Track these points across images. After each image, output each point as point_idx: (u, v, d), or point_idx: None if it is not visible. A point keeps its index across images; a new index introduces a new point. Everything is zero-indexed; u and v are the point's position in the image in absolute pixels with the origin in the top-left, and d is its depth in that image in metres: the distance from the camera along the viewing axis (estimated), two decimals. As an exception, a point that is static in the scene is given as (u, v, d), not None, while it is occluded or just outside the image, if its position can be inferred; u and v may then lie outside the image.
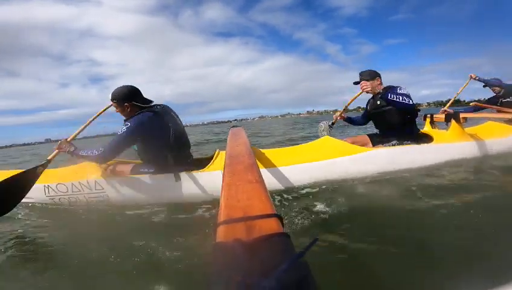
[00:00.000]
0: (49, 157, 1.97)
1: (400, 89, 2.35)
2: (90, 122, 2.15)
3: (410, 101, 2.24)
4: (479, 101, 4.03)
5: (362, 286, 1.09)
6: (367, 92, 2.47)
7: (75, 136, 2.07)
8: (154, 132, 1.91)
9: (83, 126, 2.14)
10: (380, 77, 2.53)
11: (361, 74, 2.56)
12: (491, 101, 3.83)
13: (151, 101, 2.03)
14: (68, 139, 1.98)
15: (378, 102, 2.52)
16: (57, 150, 1.97)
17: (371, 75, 2.50)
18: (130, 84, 1.98)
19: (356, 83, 2.57)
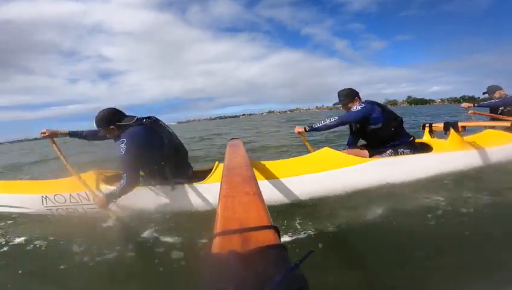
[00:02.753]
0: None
1: (356, 107, 2.38)
2: (66, 163, 2.04)
3: (355, 109, 2.34)
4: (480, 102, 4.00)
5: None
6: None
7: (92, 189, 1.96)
8: (146, 144, 1.88)
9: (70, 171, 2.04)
10: (358, 96, 2.50)
11: (339, 94, 2.54)
12: (491, 110, 3.82)
13: (134, 117, 1.97)
14: (102, 196, 1.86)
15: (358, 125, 2.48)
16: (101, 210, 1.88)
17: (349, 96, 2.48)
18: (108, 107, 1.96)
19: (336, 104, 2.58)
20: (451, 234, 1.44)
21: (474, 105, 3.83)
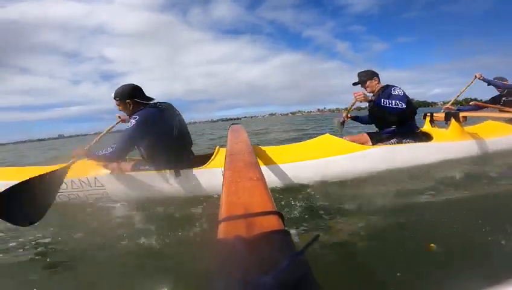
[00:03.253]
0: (68, 163, 1.91)
1: (395, 90, 2.33)
2: (105, 133, 2.21)
3: (403, 104, 2.20)
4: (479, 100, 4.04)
5: (362, 283, 1.09)
6: (361, 101, 2.44)
7: (91, 146, 2.04)
8: (158, 127, 1.92)
9: (98, 137, 2.20)
10: (377, 76, 2.55)
11: (359, 75, 2.59)
12: (494, 100, 3.84)
13: (152, 99, 2.06)
14: (86, 148, 1.96)
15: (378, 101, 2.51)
16: (74, 159, 1.94)
17: (368, 75, 2.54)
18: (132, 83, 2.01)
19: (355, 84, 2.61)
20: (450, 223, 1.46)
21: (481, 77, 3.83)
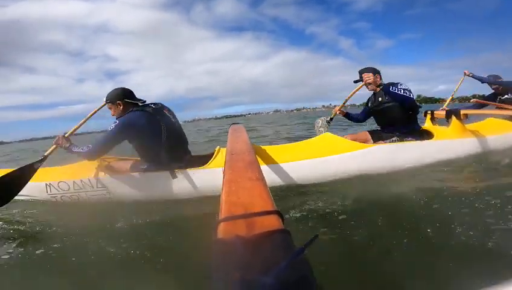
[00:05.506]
0: (46, 153, 2.00)
1: (401, 85, 2.38)
2: (87, 119, 2.17)
3: (411, 95, 2.26)
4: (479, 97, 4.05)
5: (362, 283, 1.09)
6: (368, 85, 2.49)
7: (73, 132, 2.09)
8: (144, 130, 1.93)
9: (79, 123, 2.17)
10: (379, 74, 2.55)
11: (361, 72, 2.59)
12: (489, 98, 3.83)
13: (143, 101, 2.07)
14: (66, 135, 2.02)
15: (380, 98, 2.53)
16: (54, 145, 2.01)
17: (373, 70, 2.53)
18: (121, 87, 2.06)
19: (356, 81, 2.61)
20: (452, 221, 1.45)
21: (470, 74, 3.91)
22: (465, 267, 1.09)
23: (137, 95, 2.10)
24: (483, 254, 1.16)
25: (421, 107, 2.59)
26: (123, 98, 1.98)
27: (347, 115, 2.91)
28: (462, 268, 1.08)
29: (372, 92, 2.65)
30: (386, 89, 2.31)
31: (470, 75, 3.93)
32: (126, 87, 2.06)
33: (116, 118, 1.96)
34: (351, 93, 2.70)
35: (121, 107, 2.00)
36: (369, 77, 2.37)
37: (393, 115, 2.43)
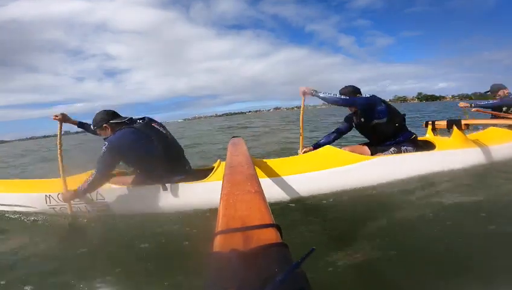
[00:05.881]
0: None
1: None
2: (61, 150, 2.09)
3: (366, 96, 2.36)
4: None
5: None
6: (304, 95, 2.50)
7: (65, 182, 2.01)
8: (135, 145, 1.93)
9: (59, 156, 2.08)
10: (360, 92, 2.54)
11: (340, 92, 2.53)
12: (495, 108, 3.76)
13: (130, 118, 2.07)
14: (65, 192, 1.97)
15: (363, 119, 2.46)
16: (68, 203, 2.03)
17: (351, 93, 2.48)
18: (103, 109, 2.07)
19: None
20: (455, 232, 1.43)
21: (471, 106, 3.82)
22: (464, 276, 1.06)
23: (138, 94, 2.13)
24: (486, 264, 1.14)
25: (404, 115, 2.53)
26: (107, 120, 2.00)
27: (317, 146, 2.62)
28: (461, 277, 1.05)
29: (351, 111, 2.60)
30: (316, 96, 2.37)
31: (475, 110, 3.76)
32: (108, 109, 2.06)
33: (104, 139, 1.94)
34: (301, 115, 2.65)
35: (109, 130, 2.00)
36: (302, 91, 2.44)
37: (382, 130, 2.39)
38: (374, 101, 2.36)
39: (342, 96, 2.33)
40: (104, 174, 1.91)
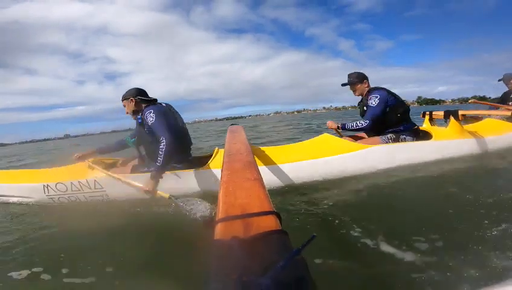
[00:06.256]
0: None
1: (370, 99, 2.41)
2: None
3: (367, 121, 2.35)
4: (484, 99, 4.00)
5: (360, 283, 1.09)
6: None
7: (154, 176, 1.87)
8: (167, 117, 2.01)
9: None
10: (367, 79, 2.57)
11: (350, 76, 2.59)
12: (503, 97, 3.73)
13: (155, 100, 2.17)
14: (150, 185, 1.83)
15: (365, 108, 2.50)
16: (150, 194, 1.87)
17: (359, 78, 2.55)
18: (137, 87, 2.18)
19: (344, 85, 2.61)
20: (450, 221, 1.46)
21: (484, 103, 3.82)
22: (462, 266, 1.08)
23: None
24: (482, 253, 1.16)
25: (408, 107, 2.51)
26: (135, 95, 2.10)
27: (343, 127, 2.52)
28: (460, 267, 1.08)
29: (360, 96, 2.64)
30: (343, 128, 2.42)
31: (472, 102, 3.76)
32: (140, 88, 2.17)
33: (139, 113, 2.05)
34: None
35: (133, 104, 2.09)
36: (331, 127, 2.52)
37: (383, 119, 2.41)
38: (385, 99, 2.39)
39: (363, 122, 2.36)
40: (171, 136, 1.86)
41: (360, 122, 2.37)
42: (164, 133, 1.86)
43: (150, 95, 2.17)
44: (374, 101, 2.39)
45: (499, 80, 3.82)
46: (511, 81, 3.68)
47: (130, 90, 2.13)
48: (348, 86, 2.61)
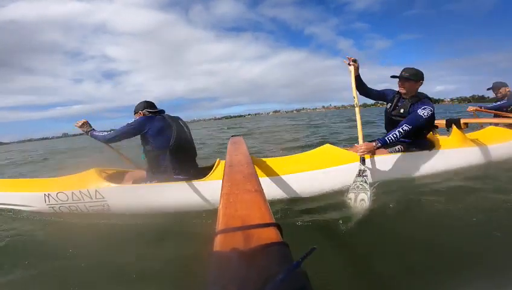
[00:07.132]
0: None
1: (421, 110, 2.14)
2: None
3: (427, 115, 2.11)
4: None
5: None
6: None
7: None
8: (156, 129, 2.06)
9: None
10: (423, 80, 2.28)
11: (407, 70, 2.27)
12: (501, 107, 3.68)
13: (162, 111, 2.28)
14: (89, 123, 2.22)
15: (402, 110, 2.29)
16: (77, 126, 2.23)
17: (416, 77, 2.25)
18: (144, 100, 2.30)
19: (394, 77, 2.32)
20: (453, 231, 1.43)
21: (480, 108, 3.84)
22: (465, 273, 1.06)
23: (136, 96, 2.25)
24: (484, 261, 1.14)
25: (437, 128, 2.42)
26: (143, 109, 2.22)
27: (358, 78, 2.41)
28: (462, 274, 1.06)
29: (398, 93, 2.37)
30: (384, 144, 2.07)
31: (474, 109, 3.80)
32: (145, 100, 2.30)
33: None
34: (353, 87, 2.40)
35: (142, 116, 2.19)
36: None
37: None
38: (432, 119, 2.20)
39: (406, 127, 2.06)
40: (115, 137, 2.08)
41: (401, 130, 2.05)
42: (117, 131, 2.07)
43: (147, 96, 2.26)
44: (426, 112, 2.12)
45: (488, 89, 3.85)
46: (500, 90, 3.70)
47: (139, 104, 2.26)
48: (396, 80, 2.32)
